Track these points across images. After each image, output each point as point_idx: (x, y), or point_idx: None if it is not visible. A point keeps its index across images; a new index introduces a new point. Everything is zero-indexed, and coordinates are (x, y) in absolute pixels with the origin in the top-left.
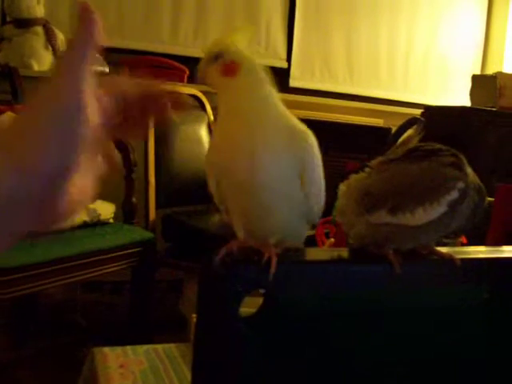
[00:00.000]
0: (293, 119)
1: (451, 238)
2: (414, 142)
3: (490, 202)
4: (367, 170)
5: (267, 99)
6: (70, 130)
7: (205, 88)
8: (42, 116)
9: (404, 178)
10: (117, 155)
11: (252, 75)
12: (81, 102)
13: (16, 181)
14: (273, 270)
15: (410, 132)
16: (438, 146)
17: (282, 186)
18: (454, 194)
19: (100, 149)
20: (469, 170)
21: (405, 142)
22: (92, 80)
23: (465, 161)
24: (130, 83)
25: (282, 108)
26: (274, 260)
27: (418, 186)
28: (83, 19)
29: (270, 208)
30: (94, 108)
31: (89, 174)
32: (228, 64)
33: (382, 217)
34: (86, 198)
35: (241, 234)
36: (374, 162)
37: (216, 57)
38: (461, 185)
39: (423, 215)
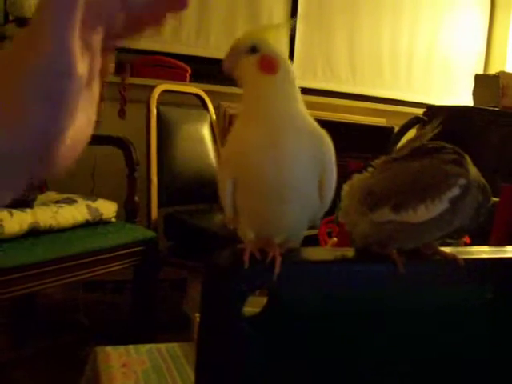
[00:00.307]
0: (313, 122)
1: (455, 239)
2: (421, 141)
3: (493, 201)
4: (370, 169)
5: (297, 100)
6: (57, 91)
7: (207, 87)
8: (24, 77)
9: (406, 175)
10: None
11: (289, 74)
12: (70, 62)
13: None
14: (277, 269)
15: (413, 131)
16: (441, 143)
17: (303, 186)
18: (456, 191)
19: (95, 79)
20: (473, 168)
21: (410, 142)
22: (79, 19)
23: (468, 158)
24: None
25: (305, 110)
26: (279, 260)
27: (419, 183)
28: None
29: (287, 208)
30: (85, 56)
31: (85, 111)
32: (267, 59)
33: (385, 215)
34: (85, 136)
35: (251, 235)
36: (377, 162)
37: (252, 49)
38: (462, 181)
39: (425, 212)
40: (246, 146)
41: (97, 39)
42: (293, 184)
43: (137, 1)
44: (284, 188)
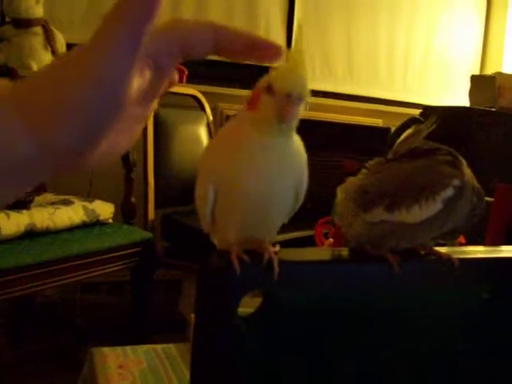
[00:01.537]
0: (296, 136)
1: (448, 239)
2: (417, 140)
3: (488, 201)
4: (364, 170)
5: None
6: (99, 117)
7: (204, 88)
8: (70, 94)
9: (400, 176)
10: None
11: None
12: (121, 96)
13: (26, 148)
14: (277, 269)
15: (409, 131)
16: (436, 145)
17: (285, 200)
18: (450, 192)
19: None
20: (468, 171)
21: (406, 140)
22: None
23: (463, 160)
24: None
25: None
26: (276, 259)
27: (413, 184)
28: None
29: (271, 218)
30: (135, 84)
31: (124, 130)
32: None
33: (379, 214)
34: (118, 151)
35: (233, 239)
36: (371, 163)
37: (301, 99)
38: (456, 182)
39: (419, 212)
40: (237, 164)
41: (171, 63)
42: (278, 201)
43: (230, 39)
44: (270, 204)
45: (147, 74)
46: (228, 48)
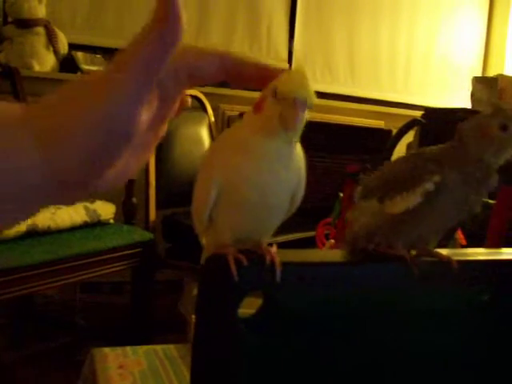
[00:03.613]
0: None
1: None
2: None
3: (490, 203)
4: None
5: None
6: (108, 147)
7: (206, 89)
8: (83, 120)
9: (394, 171)
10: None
11: None
12: (131, 127)
13: (36, 167)
14: (279, 268)
15: (411, 133)
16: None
17: (283, 203)
18: (428, 186)
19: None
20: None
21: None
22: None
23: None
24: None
25: None
26: (278, 260)
27: (400, 178)
28: (166, 11)
29: (268, 220)
30: (145, 116)
31: (134, 156)
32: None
33: (373, 205)
34: (127, 175)
35: (227, 240)
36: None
37: (306, 105)
38: (436, 178)
39: (401, 203)
40: (241, 165)
41: (178, 89)
42: (278, 205)
43: (237, 69)
44: (272, 208)
45: (155, 104)
46: (236, 77)
